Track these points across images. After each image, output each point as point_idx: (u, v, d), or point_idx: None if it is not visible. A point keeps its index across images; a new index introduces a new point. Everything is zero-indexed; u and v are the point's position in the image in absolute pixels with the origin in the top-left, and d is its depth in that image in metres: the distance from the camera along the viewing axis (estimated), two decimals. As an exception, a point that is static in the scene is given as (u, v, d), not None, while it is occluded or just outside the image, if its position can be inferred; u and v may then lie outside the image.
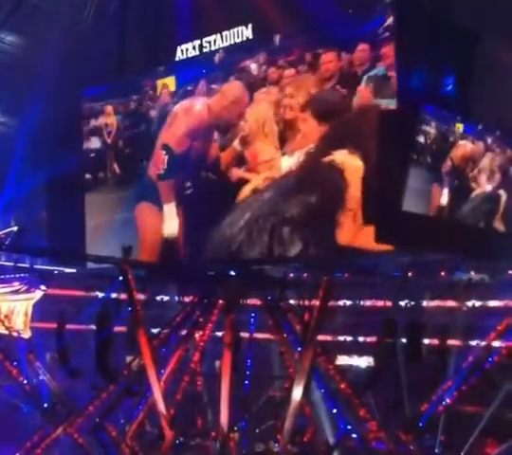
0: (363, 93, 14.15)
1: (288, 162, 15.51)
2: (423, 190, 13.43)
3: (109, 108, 18.46)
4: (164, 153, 17.62)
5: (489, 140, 14.07)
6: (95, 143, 18.68)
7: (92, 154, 18.69)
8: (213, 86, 17.02)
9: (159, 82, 17.75)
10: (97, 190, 18.58)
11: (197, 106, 17.38)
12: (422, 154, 13.35)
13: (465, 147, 13.75)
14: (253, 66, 16.22)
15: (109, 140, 18.52)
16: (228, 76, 16.70)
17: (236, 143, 16.56)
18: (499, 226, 14.28)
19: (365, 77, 14.10)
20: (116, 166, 18.48)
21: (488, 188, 14.14)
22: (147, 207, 17.90)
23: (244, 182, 16.25)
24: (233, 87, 16.72)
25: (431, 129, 13.35)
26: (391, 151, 13.02)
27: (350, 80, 14.45)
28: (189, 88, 17.41)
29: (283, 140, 15.71)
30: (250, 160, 16.32)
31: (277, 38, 15.87)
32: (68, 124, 18.72)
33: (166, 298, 19.47)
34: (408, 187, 13.25)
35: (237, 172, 16.46)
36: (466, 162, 13.89)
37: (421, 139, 13.28)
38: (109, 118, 18.44)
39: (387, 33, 13.63)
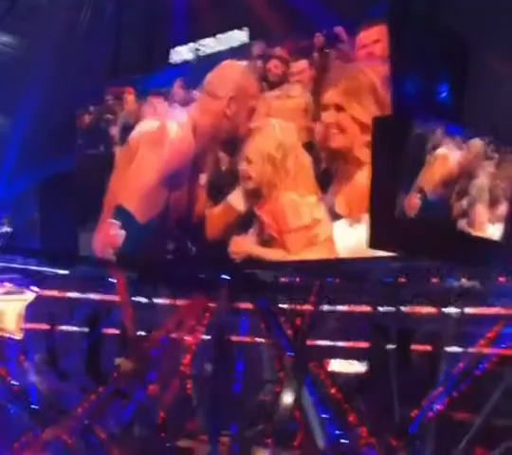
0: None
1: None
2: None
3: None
4: (119, 222, 15.42)
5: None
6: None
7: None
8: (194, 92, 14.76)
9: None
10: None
11: (172, 127, 14.53)
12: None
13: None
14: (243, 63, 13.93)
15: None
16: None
17: (235, 198, 13.56)
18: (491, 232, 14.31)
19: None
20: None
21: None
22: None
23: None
24: (228, 70, 14.19)
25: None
26: (384, 157, 13.03)
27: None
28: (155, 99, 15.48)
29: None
30: (271, 225, 13.37)
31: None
32: (62, 125, 18.67)
33: (157, 300, 19.41)
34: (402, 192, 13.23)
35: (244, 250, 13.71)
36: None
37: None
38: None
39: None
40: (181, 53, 16.98)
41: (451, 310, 15.90)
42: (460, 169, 13.46)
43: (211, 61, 16.17)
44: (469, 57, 14.26)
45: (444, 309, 15.95)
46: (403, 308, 16.06)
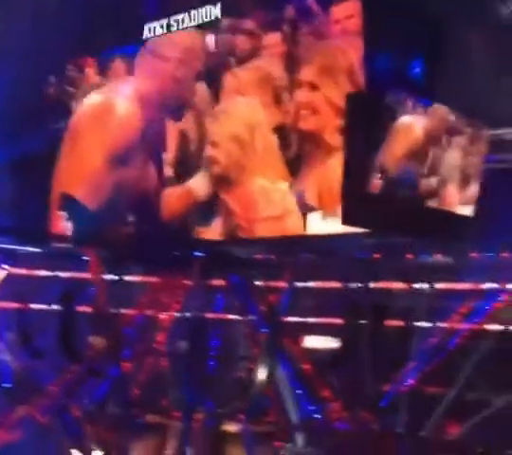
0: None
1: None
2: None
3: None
4: (66, 212, 14.11)
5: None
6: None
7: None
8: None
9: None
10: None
11: (118, 100, 13.29)
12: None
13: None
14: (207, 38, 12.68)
15: None
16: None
17: (197, 183, 12.19)
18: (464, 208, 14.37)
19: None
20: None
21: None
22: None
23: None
24: (179, 34, 12.91)
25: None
26: (357, 133, 13.00)
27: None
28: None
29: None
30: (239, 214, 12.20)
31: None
32: (33, 102, 18.45)
33: (131, 278, 19.36)
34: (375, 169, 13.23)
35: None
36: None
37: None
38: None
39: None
40: (154, 29, 16.80)
41: (424, 286, 16.00)
42: (426, 137, 13.20)
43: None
44: (443, 33, 14.21)
45: (417, 285, 16.05)
46: (376, 284, 16.13)
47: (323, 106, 11.59)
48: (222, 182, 12.92)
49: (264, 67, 12.18)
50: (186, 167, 13.46)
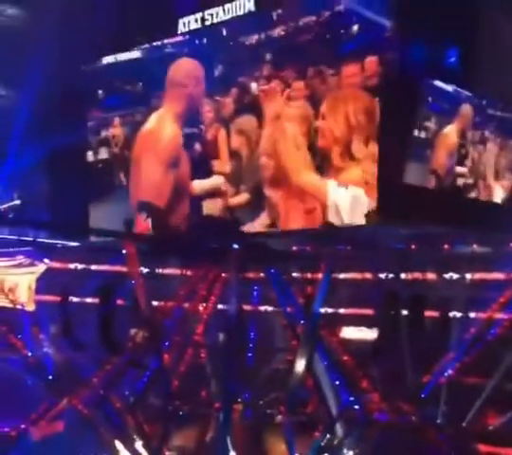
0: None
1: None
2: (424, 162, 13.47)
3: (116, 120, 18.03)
4: (143, 213, 16.85)
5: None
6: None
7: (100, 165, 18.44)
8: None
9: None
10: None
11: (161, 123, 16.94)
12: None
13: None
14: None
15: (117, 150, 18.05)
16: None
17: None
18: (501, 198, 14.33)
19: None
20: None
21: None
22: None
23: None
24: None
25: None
26: (392, 123, 12.99)
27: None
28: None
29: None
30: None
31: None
32: (70, 97, 18.61)
33: (169, 271, 19.49)
34: (410, 159, 13.24)
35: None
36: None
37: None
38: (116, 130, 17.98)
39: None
40: (188, 24, 16.89)
41: (462, 276, 15.92)
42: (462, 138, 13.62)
43: (218, 31, 16.19)
44: (478, 22, 14.11)
45: (455, 275, 15.97)
46: (413, 275, 16.08)
47: (329, 132, 14.33)
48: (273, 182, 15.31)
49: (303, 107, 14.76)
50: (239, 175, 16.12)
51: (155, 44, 17.33)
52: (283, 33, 15.06)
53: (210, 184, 16.48)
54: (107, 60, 18.12)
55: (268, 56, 15.34)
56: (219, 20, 16.43)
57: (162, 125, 17.10)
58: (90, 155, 18.35)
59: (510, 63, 14.14)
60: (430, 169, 13.82)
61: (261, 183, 15.55)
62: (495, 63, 14.06)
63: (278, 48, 15.22)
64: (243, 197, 16.04)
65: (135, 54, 17.61)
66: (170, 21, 17.22)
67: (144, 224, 16.92)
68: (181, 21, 17.02)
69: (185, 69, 16.84)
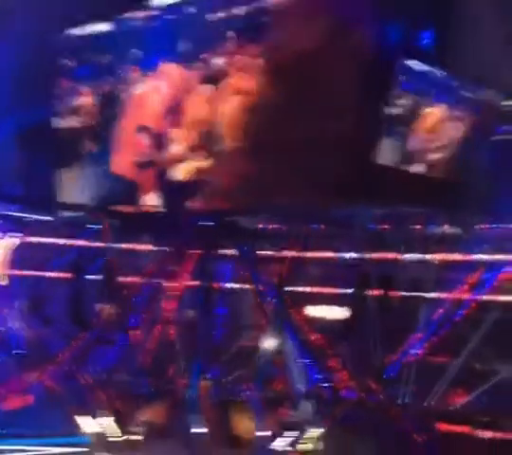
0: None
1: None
2: (397, 143, 13.50)
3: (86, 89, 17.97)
4: (143, 135, 16.75)
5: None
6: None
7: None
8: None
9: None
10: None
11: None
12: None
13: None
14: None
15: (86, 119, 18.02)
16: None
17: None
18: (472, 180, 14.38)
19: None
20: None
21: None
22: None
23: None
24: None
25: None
26: (365, 103, 12.98)
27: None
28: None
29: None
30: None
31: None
32: (40, 71, 18.38)
33: (141, 247, 19.43)
34: (383, 139, 13.25)
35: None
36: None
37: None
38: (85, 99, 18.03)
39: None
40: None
41: (432, 256, 16.01)
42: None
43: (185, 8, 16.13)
44: (453, 3, 14.08)
45: (425, 255, 16.06)
46: (384, 255, 16.15)
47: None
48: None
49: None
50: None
51: (124, 16, 17.15)
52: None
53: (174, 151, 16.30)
54: (77, 31, 17.95)
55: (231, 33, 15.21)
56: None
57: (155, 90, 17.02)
58: (58, 123, 18.29)
59: (484, 45, 14.15)
60: (405, 150, 13.76)
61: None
62: (469, 44, 14.06)
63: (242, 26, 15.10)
64: (205, 163, 15.88)
65: (104, 26, 17.48)
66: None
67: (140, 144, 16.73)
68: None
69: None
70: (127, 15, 17.02)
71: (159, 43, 16.43)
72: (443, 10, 13.82)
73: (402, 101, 13.53)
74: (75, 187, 17.98)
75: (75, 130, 18.11)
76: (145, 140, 16.58)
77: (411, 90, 13.58)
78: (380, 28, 13.16)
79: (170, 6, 16.27)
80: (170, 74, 16.26)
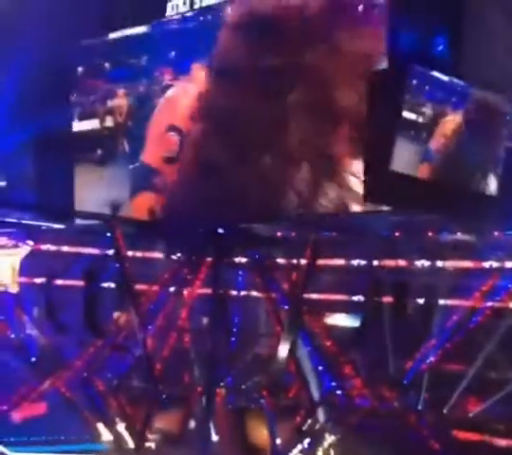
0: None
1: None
2: (412, 150, 13.47)
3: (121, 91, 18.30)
4: (173, 134, 16.96)
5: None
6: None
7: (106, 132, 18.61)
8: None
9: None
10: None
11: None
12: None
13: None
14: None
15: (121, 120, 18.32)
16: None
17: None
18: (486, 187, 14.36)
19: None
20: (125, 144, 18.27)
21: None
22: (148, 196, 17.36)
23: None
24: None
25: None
26: (380, 110, 12.99)
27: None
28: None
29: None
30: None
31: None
32: (57, 79, 18.50)
33: (154, 255, 19.48)
34: (397, 146, 13.24)
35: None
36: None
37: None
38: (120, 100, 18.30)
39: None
40: (176, 7, 16.83)
41: (446, 264, 16.00)
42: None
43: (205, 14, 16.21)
44: (466, 10, 14.08)
45: (439, 263, 16.05)
46: (399, 262, 16.16)
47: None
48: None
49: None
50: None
51: (161, 20, 17.33)
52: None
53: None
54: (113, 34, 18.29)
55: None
56: (207, 3, 16.39)
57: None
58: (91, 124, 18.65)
59: (498, 51, 14.15)
60: (420, 157, 13.73)
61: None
62: (483, 51, 14.06)
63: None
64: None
65: (141, 29, 17.76)
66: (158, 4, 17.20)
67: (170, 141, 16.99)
68: (169, 3, 16.99)
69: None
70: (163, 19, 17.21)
71: (193, 45, 16.62)
72: (457, 17, 13.83)
73: (418, 109, 13.53)
74: (91, 192, 18.06)
75: (110, 129, 18.38)
76: (174, 138, 16.75)
77: (427, 97, 13.58)
78: (394, 35, 13.17)
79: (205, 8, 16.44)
80: (201, 77, 16.34)
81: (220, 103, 15.78)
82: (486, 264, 15.75)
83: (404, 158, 13.43)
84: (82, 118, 18.77)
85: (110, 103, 18.40)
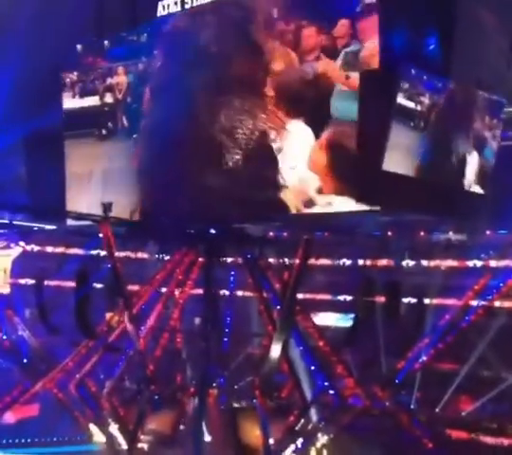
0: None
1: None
2: (405, 150, 13.49)
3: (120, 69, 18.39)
4: None
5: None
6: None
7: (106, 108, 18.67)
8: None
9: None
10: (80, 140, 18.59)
11: None
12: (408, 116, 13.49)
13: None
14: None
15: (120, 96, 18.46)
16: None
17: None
18: (477, 187, 14.42)
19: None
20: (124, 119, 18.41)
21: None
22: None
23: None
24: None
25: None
26: (372, 110, 13.01)
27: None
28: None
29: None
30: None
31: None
32: (47, 80, 18.47)
33: (146, 255, 19.47)
34: (389, 147, 13.26)
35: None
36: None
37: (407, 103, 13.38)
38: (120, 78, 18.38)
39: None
40: (168, 7, 16.81)
41: (438, 263, 16.04)
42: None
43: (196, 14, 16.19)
44: (458, 11, 14.11)
45: (431, 262, 16.09)
46: (390, 262, 16.18)
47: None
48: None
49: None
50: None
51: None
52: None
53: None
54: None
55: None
56: (199, 3, 16.37)
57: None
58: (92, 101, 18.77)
59: (488, 51, 14.21)
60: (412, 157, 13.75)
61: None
62: (473, 51, 14.10)
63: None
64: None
65: None
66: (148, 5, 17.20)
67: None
68: (160, 4, 16.98)
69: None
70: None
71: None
72: (447, 18, 13.86)
73: (410, 108, 13.54)
74: (83, 192, 18.04)
75: (110, 106, 18.41)
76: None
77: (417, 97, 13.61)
78: (386, 36, 13.19)
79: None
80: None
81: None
82: (478, 264, 15.79)
83: (396, 159, 13.46)
84: (82, 95, 18.89)
85: (109, 81, 18.50)
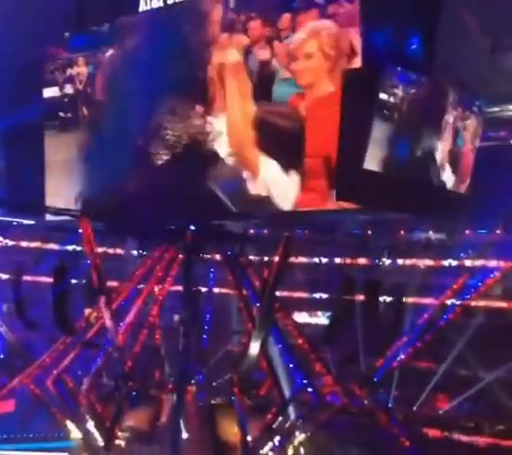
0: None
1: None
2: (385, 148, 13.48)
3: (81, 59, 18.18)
4: None
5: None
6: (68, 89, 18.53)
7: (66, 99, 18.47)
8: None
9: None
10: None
11: None
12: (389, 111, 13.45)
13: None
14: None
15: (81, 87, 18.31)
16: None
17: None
18: (458, 186, 14.42)
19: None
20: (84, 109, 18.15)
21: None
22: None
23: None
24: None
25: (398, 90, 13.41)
26: (353, 109, 12.99)
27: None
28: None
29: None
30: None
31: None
32: (25, 75, 18.35)
33: (124, 251, 19.41)
34: (370, 145, 13.25)
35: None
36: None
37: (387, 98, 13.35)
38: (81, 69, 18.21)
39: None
40: (150, 1, 16.69)
41: (417, 262, 16.09)
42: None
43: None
44: (441, 11, 14.12)
45: (410, 261, 16.14)
46: (370, 260, 16.22)
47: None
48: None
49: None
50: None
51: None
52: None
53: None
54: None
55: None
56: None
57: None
58: (52, 91, 18.48)
59: (470, 52, 14.24)
60: (391, 156, 13.69)
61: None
62: (455, 51, 14.13)
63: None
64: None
65: None
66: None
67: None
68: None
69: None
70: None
71: None
72: (430, 18, 13.87)
73: (389, 107, 13.53)
74: (61, 184, 17.92)
75: (70, 97, 18.29)
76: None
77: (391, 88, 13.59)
78: (368, 35, 13.17)
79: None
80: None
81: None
82: (457, 263, 15.86)
83: (376, 157, 13.45)
84: (44, 86, 18.67)
85: (70, 71, 18.41)
